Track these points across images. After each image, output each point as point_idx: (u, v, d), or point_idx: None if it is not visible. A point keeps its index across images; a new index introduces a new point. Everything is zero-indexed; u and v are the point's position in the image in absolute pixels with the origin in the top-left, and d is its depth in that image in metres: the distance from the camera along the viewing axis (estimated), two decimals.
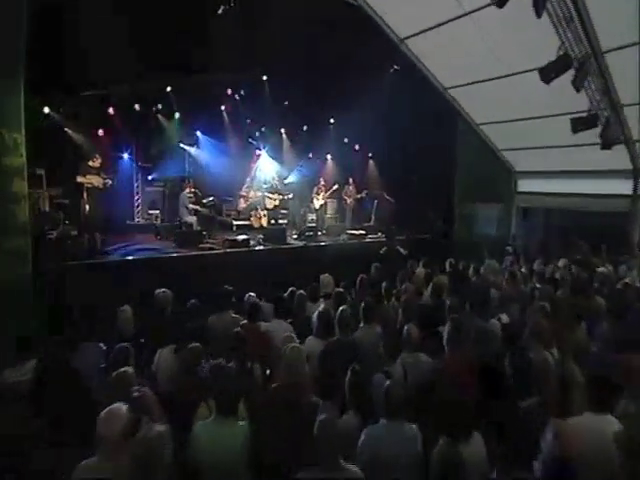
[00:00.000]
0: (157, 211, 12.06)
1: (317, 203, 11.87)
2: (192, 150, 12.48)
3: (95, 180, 7.58)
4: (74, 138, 10.80)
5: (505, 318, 4.84)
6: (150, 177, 12.07)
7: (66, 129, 10.57)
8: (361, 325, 4.55)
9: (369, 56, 9.59)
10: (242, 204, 12.04)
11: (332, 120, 13.30)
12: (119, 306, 4.56)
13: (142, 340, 4.26)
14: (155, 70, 9.57)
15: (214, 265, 7.76)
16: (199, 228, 9.74)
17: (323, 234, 11.42)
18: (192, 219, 9.61)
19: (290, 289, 5.68)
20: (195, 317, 4.69)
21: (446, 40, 8.03)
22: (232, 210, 12.30)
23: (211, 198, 10.26)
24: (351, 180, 12.29)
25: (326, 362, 3.98)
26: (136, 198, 12.37)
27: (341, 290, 5.36)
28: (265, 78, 11.68)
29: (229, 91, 11.70)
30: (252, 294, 5.26)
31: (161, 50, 9.03)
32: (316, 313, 4.34)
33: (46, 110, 9.60)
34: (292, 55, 9.75)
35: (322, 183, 11.93)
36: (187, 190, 9.86)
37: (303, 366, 3.40)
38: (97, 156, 7.70)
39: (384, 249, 9.69)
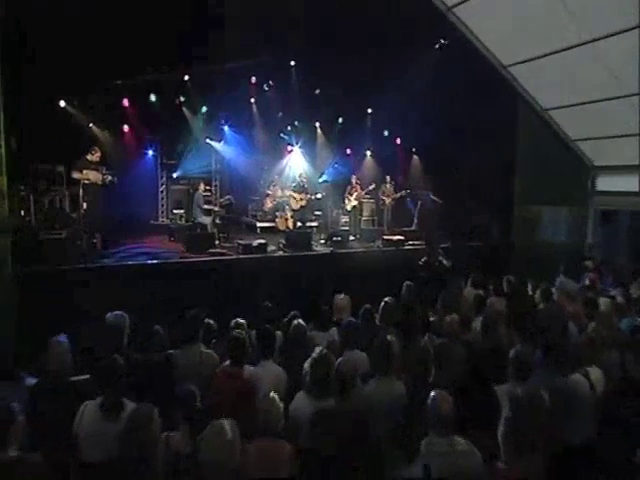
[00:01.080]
0: (182, 211, 11.20)
1: (350, 204, 10.49)
2: (219, 146, 11.69)
3: (93, 175, 6.74)
4: (97, 135, 10.28)
5: (597, 373, 3.26)
6: (175, 175, 11.26)
7: (91, 125, 10.04)
8: (375, 378, 3.18)
9: (410, 31, 8.09)
10: (268, 204, 10.93)
11: (370, 110, 11.84)
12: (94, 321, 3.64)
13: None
14: (170, 58, 8.66)
15: (220, 275, 6.66)
16: (214, 230, 8.71)
17: (356, 239, 10.03)
18: (206, 220, 8.60)
19: (291, 313, 4.41)
20: (154, 351, 3.55)
21: (503, 5, 6.41)
22: (258, 211, 11.24)
23: (228, 197, 9.20)
24: (388, 178, 10.82)
25: (315, 438, 2.67)
26: (160, 197, 11.64)
27: (353, 321, 3.99)
28: (293, 64, 10.44)
29: (253, 79, 10.61)
30: (241, 320, 4.03)
31: (175, 36, 8.11)
32: (309, 360, 3.03)
33: (62, 103, 8.96)
34: (321, 36, 8.46)
35: (355, 181, 10.50)
36: (201, 189, 8.89)
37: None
38: (96, 149, 6.87)
39: (423, 259, 8.14)
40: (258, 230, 10.51)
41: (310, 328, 4.39)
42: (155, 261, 6.74)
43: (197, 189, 8.97)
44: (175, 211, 11.41)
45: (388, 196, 10.78)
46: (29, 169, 8.04)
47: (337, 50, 8.94)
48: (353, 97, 10.72)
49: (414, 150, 12.50)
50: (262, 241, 7.98)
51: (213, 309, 4.43)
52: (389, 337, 3.47)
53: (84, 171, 6.66)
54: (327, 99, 11.07)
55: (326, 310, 4.49)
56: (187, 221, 10.62)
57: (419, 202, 10.62)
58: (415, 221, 10.62)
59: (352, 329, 3.89)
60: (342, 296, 4.79)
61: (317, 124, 12.37)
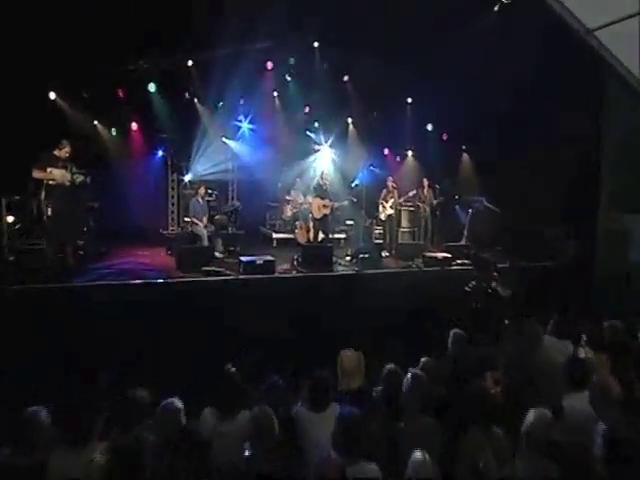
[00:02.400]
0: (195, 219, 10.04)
1: (384, 212, 8.88)
2: (235, 145, 10.57)
3: (59, 175, 5.62)
4: (101, 133, 9.41)
5: None
6: (186, 178, 10.13)
7: (95, 122, 9.19)
8: None
9: None
10: (287, 212, 9.59)
11: (410, 100, 10.16)
12: None
13: None
14: (170, 39, 7.51)
15: (205, 303, 5.28)
16: (218, 242, 7.44)
17: (391, 255, 8.49)
18: (202, 231, 7.31)
19: (269, 382, 2.93)
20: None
21: None
22: (277, 219, 9.95)
23: (233, 203, 7.88)
24: (426, 181, 9.20)
25: None
26: (170, 203, 10.60)
27: (353, 415, 2.43)
28: (317, 45, 9.01)
29: (269, 65, 9.26)
30: (177, 402, 2.59)
31: (177, 13, 6.92)
32: None
33: (52, 96, 8.05)
34: (348, 7, 6.95)
35: (392, 185, 8.88)
36: (201, 193, 7.63)
37: None
38: (65, 143, 5.77)
39: (472, 284, 6.44)
40: (274, 243, 9.14)
41: (299, 404, 2.89)
42: (134, 281, 5.49)
43: (197, 193, 7.70)
44: (187, 219, 10.27)
45: (424, 202, 9.15)
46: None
47: (368, 24, 7.40)
48: (389, 84, 9.11)
49: (464, 147, 10.63)
50: (269, 258, 6.58)
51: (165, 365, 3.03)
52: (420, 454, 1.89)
53: (48, 169, 5.54)
54: (358, 88, 9.57)
55: (324, 379, 2.94)
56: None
57: (470, 210, 8.83)
58: (465, 234, 8.80)
59: (354, 425, 2.31)
60: (350, 353, 3.24)
61: (349, 119, 10.98)
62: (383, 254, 8.28)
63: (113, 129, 9.54)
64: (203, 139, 9.96)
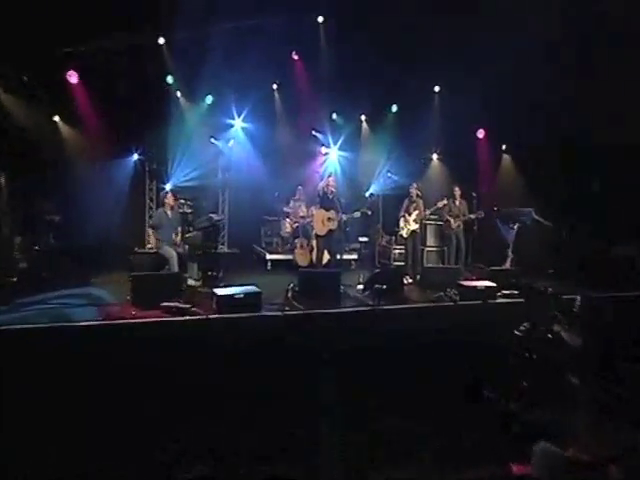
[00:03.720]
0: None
1: (407, 228, 7.40)
2: (226, 148, 9.43)
3: None
4: (62, 132, 8.19)
5: None
6: (167, 186, 8.80)
7: (55, 119, 7.97)
8: None
9: None
10: (286, 227, 8.28)
11: (437, 88, 8.71)
12: None
13: None
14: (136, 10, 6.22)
15: (148, 361, 3.81)
16: (193, 268, 6.00)
17: (415, 283, 7.12)
18: (170, 252, 5.90)
19: None
20: None
21: None
22: (274, 236, 8.75)
23: (209, 216, 6.45)
24: (457, 189, 7.75)
25: None
26: (148, 216, 9.29)
27: None
28: (321, 20, 7.67)
29: (267, 51, 7.95)
30: None
31: None
32: None
33: None
34: None
35: (415, 192, 7.44)
36: (169, 202, 6.24)
37: None
38: None
39: (524, 327, 5.01)
40: (269, 265, 7.74)
41: None
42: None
43: (164, 203, 6.33)
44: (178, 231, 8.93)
45: (457, 216, 7.63)
46: None
47: None
48: (412, 68, 7.69)
49: (504, 147, 9.06)
50: (253, 289, 5.15)
51: None
52: None
53: None
54: (374, 75, 8.11)
55: None
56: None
57: (515, 226, 7.28)
58: (510, 256, 7.25)
59: None
60: None
61: (362, 116, 9.93)
62: (407, 280, 6.77)
63: (70, 124, 8.21)
64: (188, 140, 8.85)
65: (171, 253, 5.93)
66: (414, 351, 4.72)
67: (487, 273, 6.82)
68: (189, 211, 6.71)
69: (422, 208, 7.40)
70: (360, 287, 6.50)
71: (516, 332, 4.84)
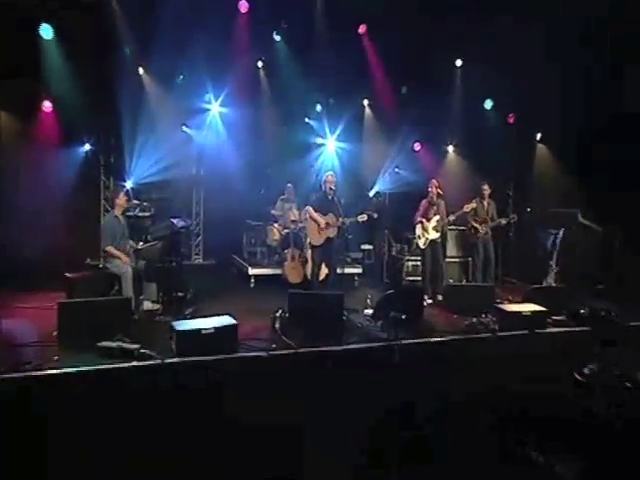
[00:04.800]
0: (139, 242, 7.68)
1: (425, 237, 6.44)
2: (201, 137, 8.60)
3: None
4: None
5: None
6: (129, 184, 7.85)
7: None
8: None
9: None
10: (274, 235, 7.30)
11: (459, 62, 7.76)
12: None
13: None
14: None
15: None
16: (151, 288, 4.92)
17: (435, 305, 6.17)
18: (125, 269, 4.82)
19: None
20: None
21: None
22: (258, 245, 7.84)
23: (178, 223, 5.33)
24: (485, 187, 6.85)
25: None
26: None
27: None
28: None
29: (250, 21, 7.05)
30: None
31: None
32: None
33: None
34: None
35: (436, 191, 6.46)
36: (120, 205, 5.16)
37: None
38: None
39: (590, 369, 4.26)
40: (252, 282, 6.71)
41: None
42: None
43: (113, 204, 5.24)
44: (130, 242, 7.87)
45: (485, 221, 6.74)
46: None
47: None
48: (429, 38, 6.72)
49: (539, 137, 8.07)
50: (226, 321, 4.11)
51: None
52: None
53: None
54: (380, 47, 7.19)
55: None
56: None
57: (561, 231, 6.29)
58: (554, 269, 6.27)
59: None
60: None
61: (365, 100, 9.18)
62: (426, 301, 5.77)
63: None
64: (154, 127, 7.93)
65: (124, 269, 4.83)
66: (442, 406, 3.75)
67: (526, 292, 5.79)
68: (148, 214, 5.59)
69: (444, 212, 6.39)
70: (368, 311, 5.48)
71: (577, 376, 4.10)
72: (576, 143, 7.06)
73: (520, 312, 5.04)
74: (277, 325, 4.69)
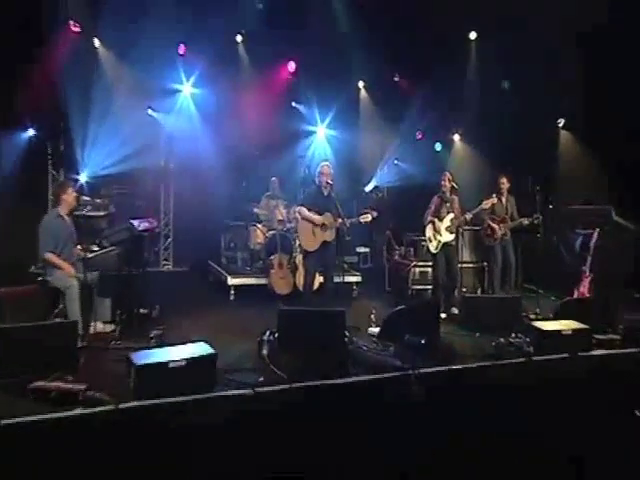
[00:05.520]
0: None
1: (436, 239, 5.96)
2: (170, 123, 8.21)
3: None
4: None
5: None
6: (83, 178, 7.52)
7: None
8: None
9: None
10: (257, 237, 6.88)
11: (473, 35, 7.30)
12: None
13: None
14: None
15: None
16: (104, 305, 4.27)
17: (450, 316, 5.69)
18: (70, 283, 4.19)
19: None
20: None
21: None
22: (238, 250, 7.25)
23: (137, 224, 4.64)
24: (504, 180, 6.37)
25: None
26: None
27: None
28: None
29: None
30: None
31: None
32: None
33: None
34: None
35: (449, 185, 5.93)
36: (69, 203, 4.50)
37: None
38: None
39: None
40: (231, 294, 6.24)
41: None
42: None
43: (57, 201, 4.54)
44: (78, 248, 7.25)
45: (504, 220, 6.26)
46: None
47: None
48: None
49: (561, 121, 7.64)
50: (201, 350, 3.54)
51: None
52: None
53: None
54: (379, 19, 6.70)
55: None
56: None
57: (594, 233, 5.95)
58: (588, 275, 5.80)
59: None
60: None
61: (360, 82, 8.94)
62: (440, 316, 5.21)
63: None
64: (113, 110, 7.51)
65: (68, 282, 4.13)
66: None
67: (560, 305, 5.27)
68: (103, 213, 4.90)
69: (459, 210, 5.86)
70: (373, 330, 4.88)
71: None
72: (606, 131, 6.61)
73: (560, 331, 4.48)
74: (265, 351, 4.06)
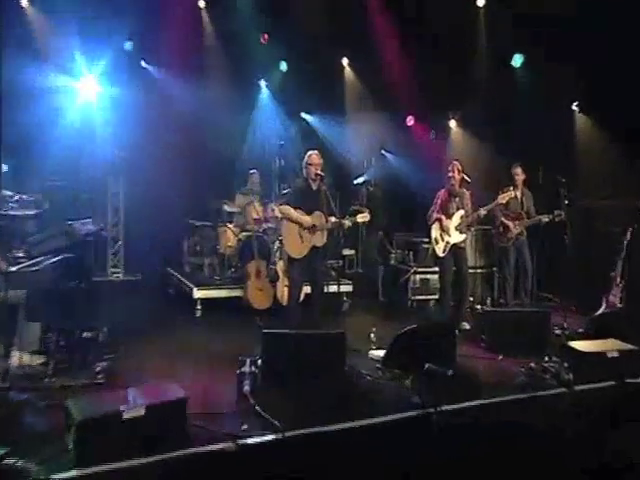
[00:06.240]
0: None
1: (444, 241, 5.51)
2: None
3: None
4: None
5: None
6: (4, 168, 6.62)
7: None
8: None
9: None
10: (229, 240, 6.34)
11: (481, 2, 6.93)
12: None
13: None
14: None
15: None
16: (31, 330, 3.62)
17: (460, 329, 5.27)
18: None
19: None
20: None
21: None
22: (206, 256, 6.75)
23: (82, 228, 4.02)
24: (519, 171, 6.08)
25: None
26: None
27: None
28: None
29: None
30: None
31: None
32: None
33: None
34: None
35: (458, 177, 5.50)
36: None
37: None
38: None
39: None
40: (198, 309, 5.73)
41: None
42: None
43: None
44: (17, 254, 6.47)
45: (519, 217, 5.96)
46: None
47: None
48: None
49: (578, 104, 7.28)
50: (168, 396, 2.88)
51: None
52: None
53: None
54: None
55: None
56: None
57: (628, 232, 5.64)
58: (620, 284, 5.47)
59: None
60: None
61: (344, 59, 8.71)
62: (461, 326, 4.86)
63: None
64: (46, 87, 7.03)
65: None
66: None
67: (592, 319, 4.92)
68: (32, 212, 4.21)
69: (470, 205, 5.45)
70: (375, 353, 4.36)
71: None
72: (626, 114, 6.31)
73: (603, 352, 4.05)
74: (246, 387, 3.45)
